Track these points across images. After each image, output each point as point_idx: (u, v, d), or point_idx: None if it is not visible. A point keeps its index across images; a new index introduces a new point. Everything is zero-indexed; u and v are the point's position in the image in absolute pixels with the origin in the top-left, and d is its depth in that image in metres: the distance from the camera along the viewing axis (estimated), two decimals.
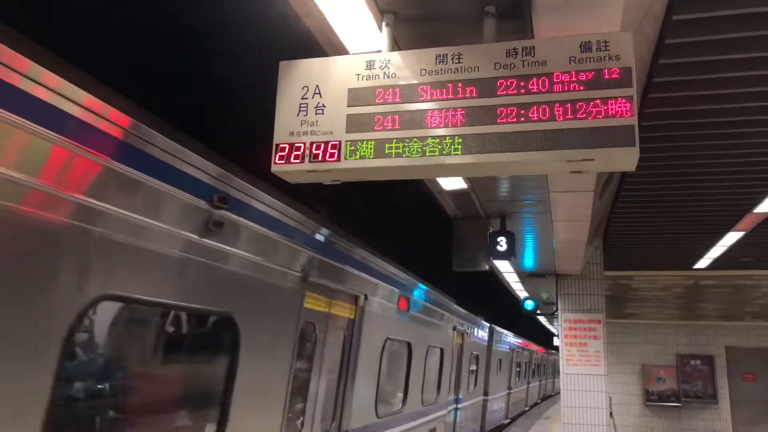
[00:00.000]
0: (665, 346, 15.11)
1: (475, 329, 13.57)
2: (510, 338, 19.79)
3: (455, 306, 11.15)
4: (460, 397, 11.95)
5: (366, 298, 6.02)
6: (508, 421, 19.74)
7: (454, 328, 10.84)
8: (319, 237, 5.02)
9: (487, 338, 15.30)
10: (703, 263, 11.45)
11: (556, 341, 22.64)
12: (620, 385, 14.82)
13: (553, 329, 27.19)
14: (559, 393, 34.04)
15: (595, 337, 9.91)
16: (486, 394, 15.49)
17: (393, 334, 6.98)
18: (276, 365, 4.32)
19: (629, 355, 15.19)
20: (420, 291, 8.29)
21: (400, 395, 7.75)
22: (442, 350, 9.88)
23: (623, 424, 13.90)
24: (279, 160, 3.01)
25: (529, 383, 26.17)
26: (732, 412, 14.44)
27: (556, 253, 8.94)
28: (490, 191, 6.43)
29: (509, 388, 20.01)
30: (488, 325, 15.55)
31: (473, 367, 13.73)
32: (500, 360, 17.56)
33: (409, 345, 7.80)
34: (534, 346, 27.33)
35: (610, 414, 9.77)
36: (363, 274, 5.98)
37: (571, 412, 9.68)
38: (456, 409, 11.68)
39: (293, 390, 4.54)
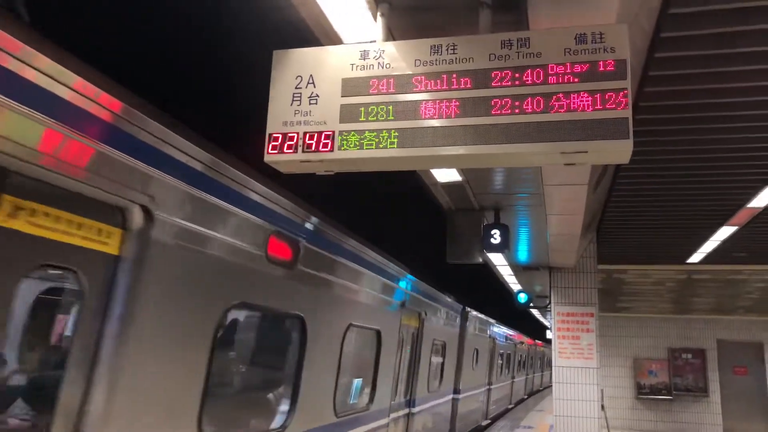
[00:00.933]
0: (657, 340, 15.21)
1: (441, 311, 10.60)
2: (491, 325, 16.71)
3: (408, 276, 8.22)
4: (416, 397, 9.04)
5: (151, 215, 3.00)
6: (488, 422, 16.76)
7: (404, 305, 7.89)
8: None
9: (458, 323, 12.45)
10: (696, 257, 11.50)
11: (549, 334, 22.68)
12: (612, 379, 14.91)
13: (545, 321, 27.14)
14: (548, 387, 33.44)
15: (587, 330, 9.95)
16: (457, 391, 12.55)
17: (252, 297, 4.10)
18: None
19: (621, 348, 15.28)
20: (332, 241, 5.40)
21: (285, 405, 4.79)
22: (379, 333, 6.95)
23: (615, 417, 13.98)
24: (272, 149, 2.99)
25: (514, 377, 22.92)
26: (723, 406, 14.56)
27: (549, 246, 8.96)
28: (484, 184, 6.43)
29: (489, 383, 16.95)
30: (460, 306, 12.59)
31: (438, 359, 10.76)
32: (477, 350, 14.52)
33: (301, 321, 4.84)
34: (521, 337, 24.66)
35: (602, 407, 9.82)
36: (145, 166, 2.96)
37: (563, 405, 9.73)
38: (409, 414, 8.79)
39: None
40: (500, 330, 18.74)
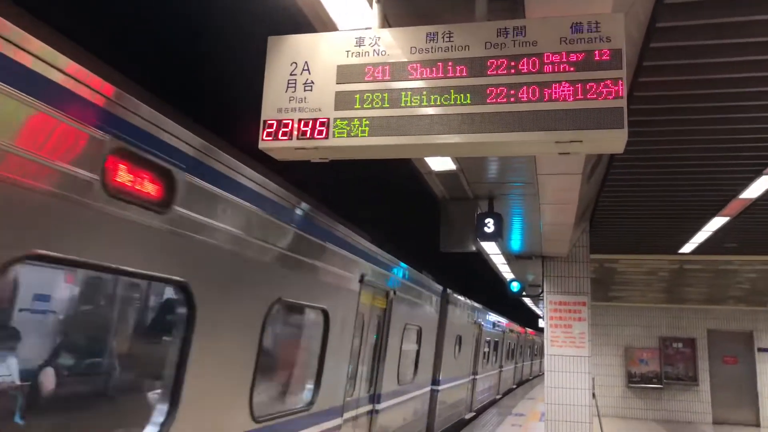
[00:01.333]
0: (648, 329, 15.35)
1: (416, 291, 9.27)
2: (476, 310, 15.33)
3: (370, 246, 6.83)
4: (383, 392, 7.69)
5: None
6: (473, 414, 15.54)
7: (363, 280, 6.53)
8: None
9: (439, 307, 11.21)
10: (688, 248, 11.58)
11: (541, 323, 22.65)
12: (603, 367, 15.04)
13: (536, 309, 27.20)
14: (536, 377, 32.79)
15: (579, 319, 10.00)
16: (436, 382, 11.29)
17: (73, 247, 2.66)
18: None
19: (613, 337, 15.41)
20: (240, 182, 3.94)
21: (158, 414, 3.32)
22: (325, 313, 5.60)
23: (605, 405, 14.11)
24: (266, 136, 2.98)
25: (501, 366, 21.39)
26: (712, 395, 14.73)
27: (542, 236, 8.98)
28: (478, 173, 6.42)
29: (474, 373, 15.69)
30: (441, 288, 11.36)
31: (412, 346, 9.46)
32: (460, 337, 13.15)
33: (185, 290, 3.43)
34: (511, 325, 23.53)
35: (593, 395, 9.90)
36: None
37: (555, 393, 9.80)
38: (372, 412, 7.42)
39: None
40: (487, 316, 17.49)
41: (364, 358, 7.03)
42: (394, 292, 7.86)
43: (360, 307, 6.53)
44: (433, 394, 11.18)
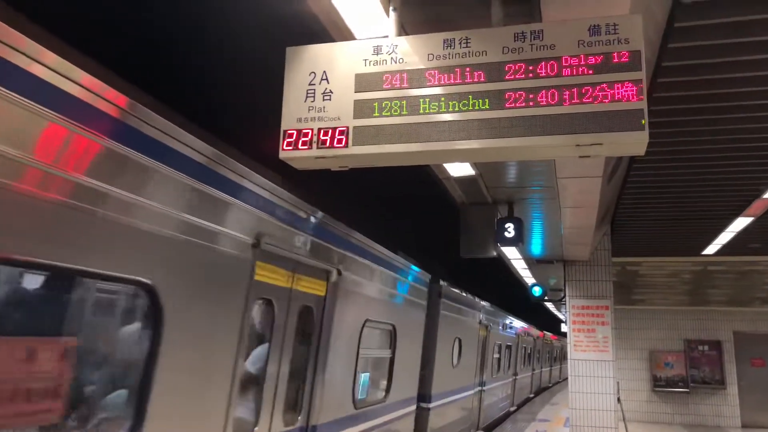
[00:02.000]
0: (673, 332, 15.14)
1: (380, 274, 6.50)
2: (484, 309, 12.78)
3: (275, 187, 4.18)
4: (319, 422, 4.99)
5: None
6: None
7: (260, 245, 3.98)
8: None
9: (426, 300, 8.53)
10: (711, 249, 11.43)
11: (564, 327, 22.37)
12: (628, 371, 14.86)
13: (559, 314, 26.88)
14: (558, 383, 30.99)
15: (603, 323, 9.92)
16: (426, 399, 8.71)
17: None
18: None
19: (637, 340, 15.22)
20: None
21: None
22: (152, 293, 3.00)
23: (631, 410, 13.92)
24: (287, 146, 3.01)
25: (516, 374, 18.26)
26: (740, 397, 14.47)
27: (563, 240, 8.93)
28: (497, 177, 6.41)
29: (481, 383, 12.96)
30: (428, 276, 8.68)
31: (380, 352, 6.93)
32: (459, 340, 10.51)
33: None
34: (529, 328, 21.06)
35: (618, 399, 9.79)
36: None
37: (579, 398, 9.72)
38: None
39: None
40: (497, 316, 14.77)
41: (282, 372, 4.51)
42: (339, 273, 5.35)
43: (258, 288, 4.06)
44: (422, 413, 8.61)
